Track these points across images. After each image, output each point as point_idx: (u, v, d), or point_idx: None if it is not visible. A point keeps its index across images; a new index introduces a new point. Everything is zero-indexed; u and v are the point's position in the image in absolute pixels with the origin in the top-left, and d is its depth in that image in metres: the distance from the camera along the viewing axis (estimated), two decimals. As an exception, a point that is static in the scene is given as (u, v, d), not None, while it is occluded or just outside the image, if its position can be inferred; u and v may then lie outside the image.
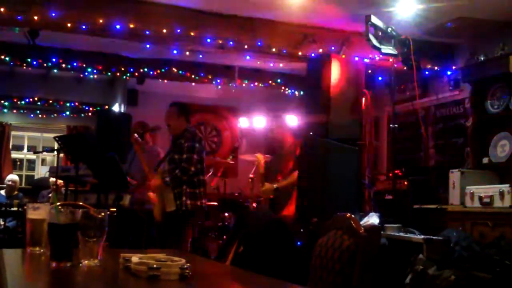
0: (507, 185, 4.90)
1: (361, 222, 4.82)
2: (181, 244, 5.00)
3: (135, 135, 5.38)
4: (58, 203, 1.90)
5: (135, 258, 1.69)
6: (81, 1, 5.46)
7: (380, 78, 7.31)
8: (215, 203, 7.31)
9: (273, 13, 5.79)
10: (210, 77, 8.13)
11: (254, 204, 6.35)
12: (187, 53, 6.86)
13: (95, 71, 7.82)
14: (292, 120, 8.33)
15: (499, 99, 5.74)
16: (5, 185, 8.71)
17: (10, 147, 10.11)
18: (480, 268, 3.86)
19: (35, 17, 5.21)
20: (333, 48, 6.10)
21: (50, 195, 8.13)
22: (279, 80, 8.35)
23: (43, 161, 11.39)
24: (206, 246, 7.08)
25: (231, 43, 5.88)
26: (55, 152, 6.54)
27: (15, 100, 9.32)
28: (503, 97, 5.69)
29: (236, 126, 10.02)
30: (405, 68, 5.59)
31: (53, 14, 5.22)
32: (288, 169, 5.40)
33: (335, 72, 5.28)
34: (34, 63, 7.39)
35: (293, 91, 8.75)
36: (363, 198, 5.94)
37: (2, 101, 9.39)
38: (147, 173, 5.24)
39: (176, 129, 5.24)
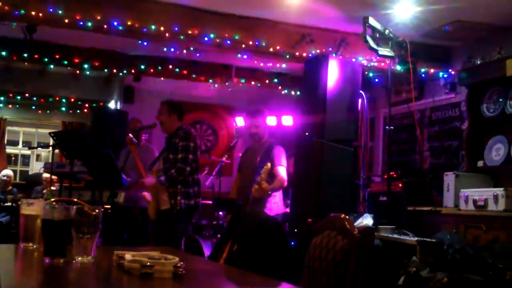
0: (501, 188, 4.92)
1: (355, 223, 4.83)
2: (175, 242, 5.01)
3: (130, 135, 5.39)
4: (52, 199, 1.90)
5: (128, 256, 1.69)
6: (79, -3, 5.46)
7: (376, 80, 7.32)
8: (210, 202, 7.31)
9: (271, 13, 5.80)
10: (207, 75, 8.12)
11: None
12: (184, 51, 6.85)
13: (91, 67, 7.80)
14: (289, 119, 8.36)
15: (495, 102, 5.76)
16: (-1, 180, 8.69)
17: (5, 142, 10.09)
18: (473, 271, 3.87)
19: (33, 13, 5.19)
20: (330, 48, 6.11)
21: (44, 191, 8.12)
22: (276, 80, 8.34)
23: (38, 157, 11.36)
24: (200, 244, 7.08)
25: (228, 42, 5.87)
26: (50, 148, 6.52)
27: (11, 95, 9.30)
28: (499, 101, 5.71)
29: (232, 125, 10.02)
30: (401, 70, 5.61)
31: (51, 10, 5.21)
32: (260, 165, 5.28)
33: (332, 72, 5.28)
34: (31, 58, 7.37)
35: (289, 91, 8.75)
36: (357, 199, 5.95)
37: (-2, 96, 9.38)
38: (141, 173, 5.25)
39: (169, 128, 5.25)
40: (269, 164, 5.02)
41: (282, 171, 5.17)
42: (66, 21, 5.33)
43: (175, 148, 5.08)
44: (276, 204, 5.27)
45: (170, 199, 5.04)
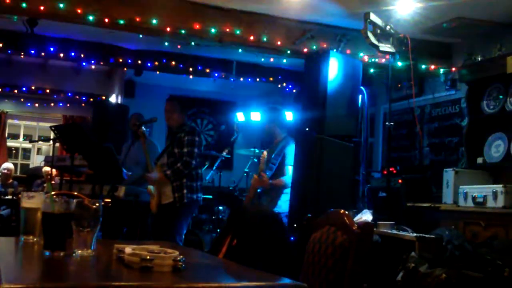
0: (501, 185, 4.93)
1: (355, 219, 4.84)
2: (175, 236, 5.03)
3: (143, 127, 5.45)
4: (52, 193, 1.91)
5: (128, 249, 1.70)
6: (80, -9, 5.46)
7: (377, 76, 7.31)
8: (210, 196, 7.33)
9: (273, 8, 5.79)
10: (208, 70, 8.12)
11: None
12: (186, 45, 6.85)
13: (93, 61, 7.81)
14: (289, 114, 8.36)
15: (495, 99, 5.76)
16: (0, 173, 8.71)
17: (6, 135, 10.10)
18: (471, 267, 3.88)
19: (34, 6, 5.20)
20: (331, 44, 6.11)
21: (44, 184, 8.14)
22: (276, 75, 8.34)
23: (39, 150, 11.37)
24: (200, 238, 7.10)
25: (230, 37, 5.87)
26: (51, 142, 6.53)
27: (12, 89, 9.30)
28: (499, 98, 5.71)
29: (232, 120, 10.03)
30: (402, 66, 5.61)
31: (52, 3, 5.21)
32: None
33: (333, 68, 5.28)
34: (32, 52, 7.37)
35: (290, 86, 8.75)
36: (357, 195, 5.96)
37: (-1, 89, 9.38)
38: (149, 167, 5.29)
39: (176, 123, 5.28)
40: (264, 153, 5.10)
41: (291, 170, 5.24)
42: (67, 14, 5.33)
43: (180, 142, 5.11)
44: (286, 203, 5.32)
45: (174, 193, 5.07)
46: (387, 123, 5.29)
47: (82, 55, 7.57)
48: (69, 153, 6.00)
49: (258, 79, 8.40)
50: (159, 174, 5.12)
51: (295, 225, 5.20)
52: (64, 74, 9.14)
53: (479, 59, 5.86)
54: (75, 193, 2.01)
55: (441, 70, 6.72)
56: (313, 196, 5.10)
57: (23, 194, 2.16)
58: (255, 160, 7.43)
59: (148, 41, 6.71)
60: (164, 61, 7.80)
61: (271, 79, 8.40)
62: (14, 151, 11.15)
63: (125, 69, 8.44)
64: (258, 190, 5.41)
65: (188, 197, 5.09)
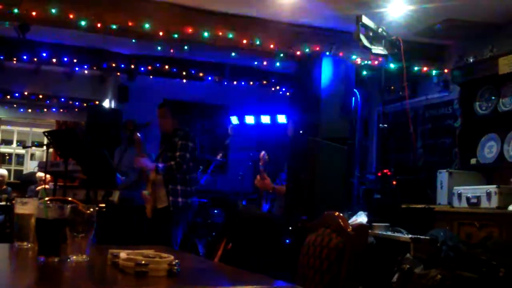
0: (494, 186, 4.94)
1: (350, 221, 4.84)
2: (170, 240, 5.03)
3: (138, 134, 5.45)
4: (46, 198, 1.91)
5: (123, 254, 1.69)
6: (72, -4, 5.45)
7: (370, 78, 7.33)
8: (205, 200, 7.32)
9: (265, 12, 5.80)
10: (201, 74, 8.12)
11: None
12: (179, 50, 6.85)
13: (85, 66, 7.79)
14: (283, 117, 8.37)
15: (488, 100, 5.78)
16: (-7, 180, 8.66)
17: (-1, 141, 10.07)
18: (466, 268, 3.89)
19: (26, 11, 5.19)
20: (324, 47, 6.12)
21: (38, 188, 8.10)
22: (270, 79, 8.35)
23: (32, 156, 11.33)
24: (195, 242, 7.08)
25: (222, 40, 5.88)
26: (44, 147, 6.52)
27: (5, 95, 9.27)
28: (491, 99, 5.73)
29: (226, 124, 10.02)
30: (395, 68, 5.63)
31: (44, 9, 5.20)
32: None
33: (326, 71, 5.28)
34: (24, 57, 7.35)
35: (283, 89, 8.76)
36: (351, 197, 5.97)
37: (-8, 95, 9.34)
38: (144, 172, 5.31)
39: (170, 128, 5.29)
40: (263, 153, 5.12)
41: None
42: (60, 20, 5.32)
43: (174, 146, 5.13)
44: None
45: (168, 197, 5.07)
46: (380, 125, 5.31)
47: (75, 60, 7.55)
48: (63, 158, 5.99)
49: (251, 83, 8.41)
50: (151, 164, 5.13)
51: (290, 227, 5.21)
52: (57, 79, 9.11)
53: (471, 60, 5.88)
54: (69, 199, 2.00)
55: (434, 72, 6.75)
56: (307, 198, 5.10)
57: (16, 200, 2.15)
58: (250, 163, 7.42)
59: (141, 46, 6.70)
60: (157, 65, 7.80)
61: (265, 82, 8.41)
62: (7, 157, 11.11)
63: (118, 73, 8.42)
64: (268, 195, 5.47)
65: (183, 202, 5.10)
